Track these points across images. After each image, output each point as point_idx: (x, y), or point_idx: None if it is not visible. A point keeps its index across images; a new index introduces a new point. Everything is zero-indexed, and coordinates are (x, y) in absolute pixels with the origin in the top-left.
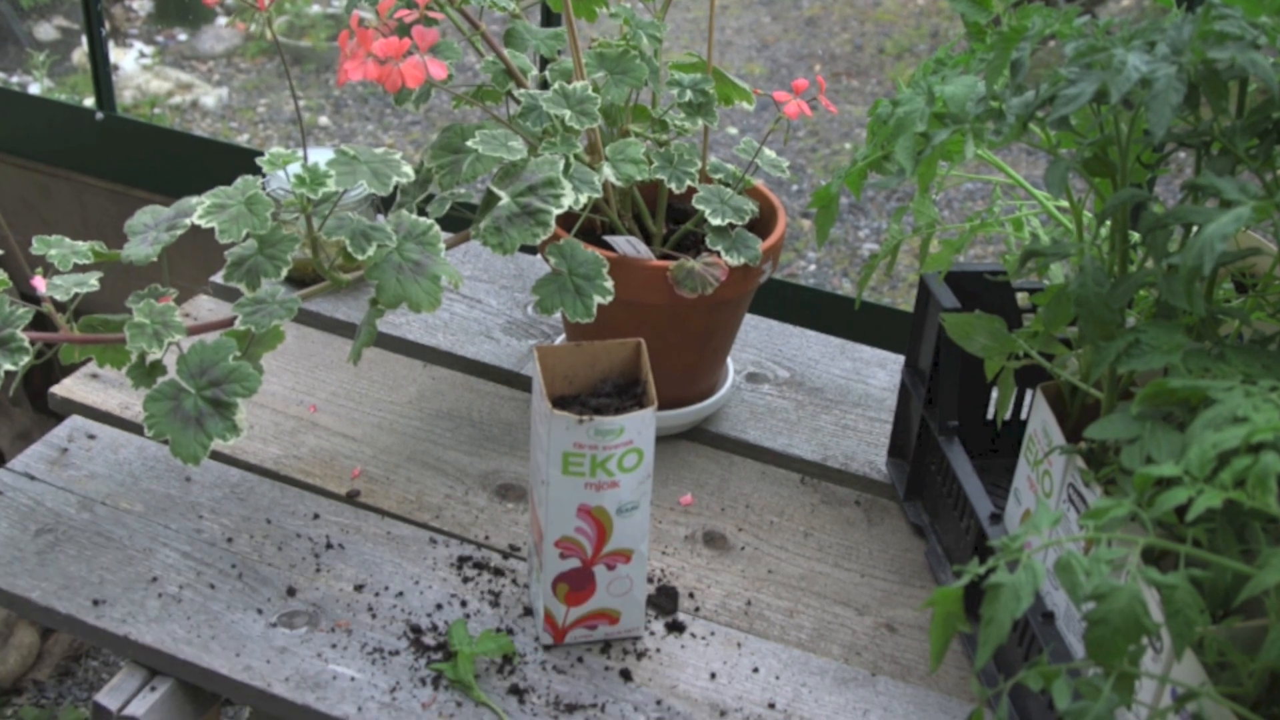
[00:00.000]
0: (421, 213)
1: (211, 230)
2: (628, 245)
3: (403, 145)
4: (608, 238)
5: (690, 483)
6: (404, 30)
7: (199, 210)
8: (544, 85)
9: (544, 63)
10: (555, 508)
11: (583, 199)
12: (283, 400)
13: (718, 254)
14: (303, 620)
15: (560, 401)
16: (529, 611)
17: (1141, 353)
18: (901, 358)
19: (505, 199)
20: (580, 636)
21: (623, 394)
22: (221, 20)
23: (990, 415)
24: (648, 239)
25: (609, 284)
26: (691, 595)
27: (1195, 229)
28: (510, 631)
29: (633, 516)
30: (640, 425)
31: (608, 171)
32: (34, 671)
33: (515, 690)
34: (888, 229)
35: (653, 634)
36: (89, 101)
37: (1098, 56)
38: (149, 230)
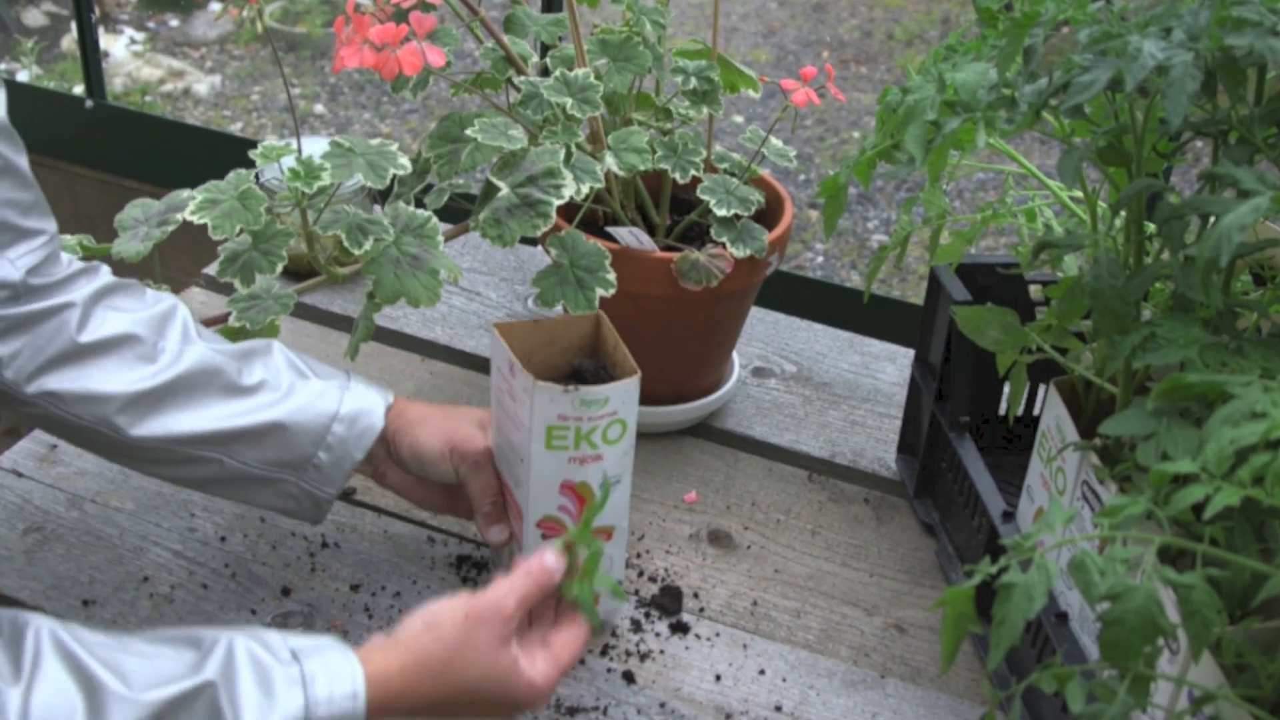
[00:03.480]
0: (419, 204)
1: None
2: (630, 236)
3: (400, 134)
4: (610, 229)
5: (695, 480)
6: (401, 16)
7: (191, 206)
8: (545, 72)
9: (545, 49)
10: (537, 486)
11: (584, 189)
12: None
13: (723, 245)
14: (298, 621)
15: None
16: None
17: (1157, 346)
18: (911, 352)
19: (505, 190)
20: None
21: (588, 370)
22: (214, 6)
23: (1002, 411)
24: (651, 230)
25: (611, 276)
26: (696, 595)
27: (1212, 220)
28: None
29: (616, 491)
30: (624, 395)
31: (610, 161)
32: None
33: None
34: (897, 220)
35: (657, 635)
36: (78, 89)
37: (1112, 43)
38: (139, 225)
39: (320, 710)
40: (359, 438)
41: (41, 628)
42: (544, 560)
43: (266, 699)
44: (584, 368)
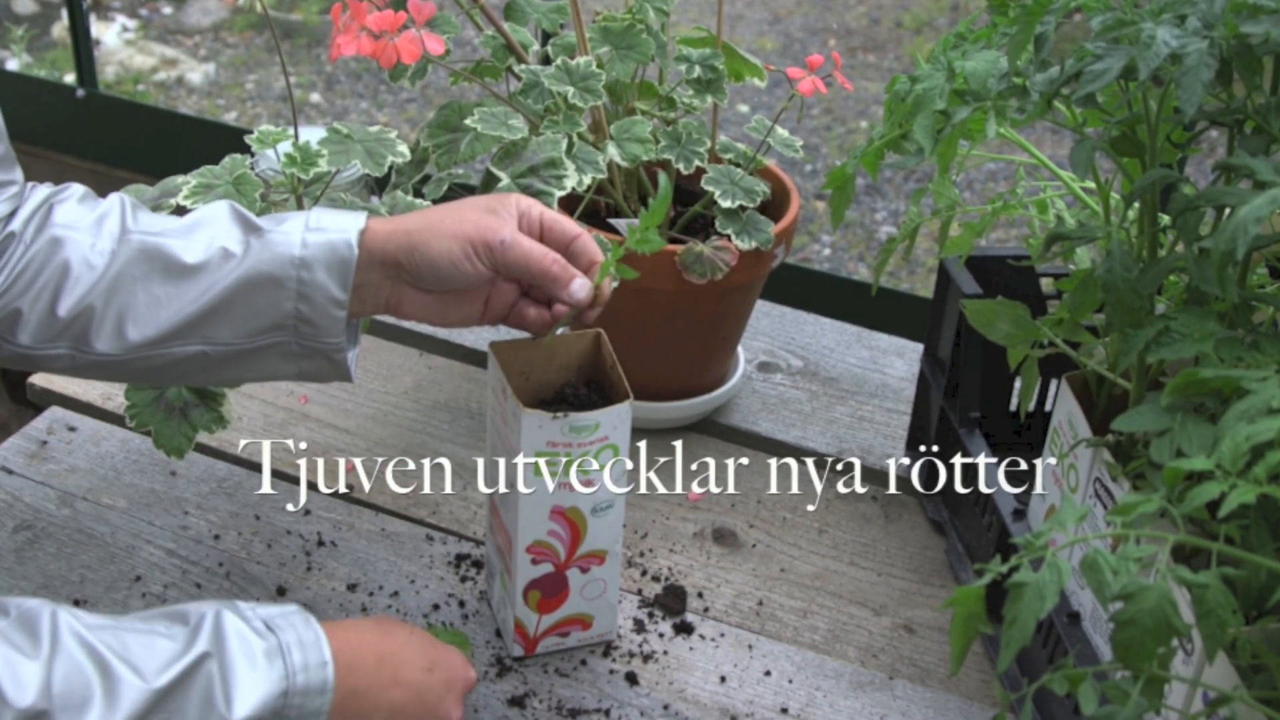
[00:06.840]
0: (418, 194)
1: None
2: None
3: (398, 124)
4: (612, 220)
5: (699, 477)
6: (399, 3)
7: (184, 190)
8: (546, 61)
9: (546, 37)
10: (526, 511)
11: (586, 180)
12: (272, 390)
13: (728, 237)
14: None
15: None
16: None
17: (1171, 341)
18: (920, 346)
19: (505, 180)
20: (552, 645)
21: (586, 389)
22: None
23: (1013, 406)
24: None
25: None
26: (700, 595)
27: (1228, 211)
28: None
29: (607, 516)
30: (616, 420)
31: (612, 151)
32: None
33: (516, 694)
34: (906, 211)
35: (660, 635)
36: (69, 78)
37: (1126, 31)
38: None
39: (299, 679)
40: (334, 274)
41: (57, 612)
42: None
43: (252, 671)
44: (568, 394)
